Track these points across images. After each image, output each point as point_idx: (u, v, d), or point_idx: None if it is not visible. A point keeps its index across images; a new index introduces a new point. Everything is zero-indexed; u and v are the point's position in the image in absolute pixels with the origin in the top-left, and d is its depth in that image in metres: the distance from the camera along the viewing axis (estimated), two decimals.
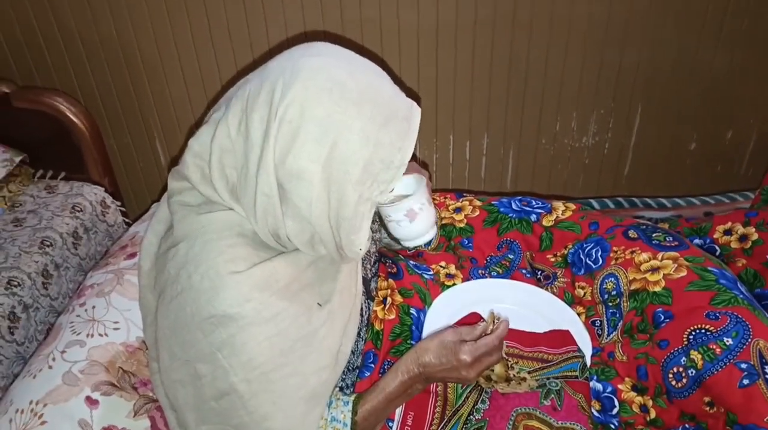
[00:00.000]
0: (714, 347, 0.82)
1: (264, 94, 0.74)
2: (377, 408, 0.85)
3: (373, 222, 1.08)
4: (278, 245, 0.80)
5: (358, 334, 0.94)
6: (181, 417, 0.84)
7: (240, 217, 0.79)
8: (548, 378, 0.92)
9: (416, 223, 0.97)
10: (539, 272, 1.13)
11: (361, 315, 0.95)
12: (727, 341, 0.82)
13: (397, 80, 1.64)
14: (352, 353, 0.92)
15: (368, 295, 0.99)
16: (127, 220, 1.65)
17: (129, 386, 0.93)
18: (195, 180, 0.80)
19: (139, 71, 1.64)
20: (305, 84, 0.72)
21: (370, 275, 1.01)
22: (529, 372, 0.93)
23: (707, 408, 0.83)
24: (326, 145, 0.72)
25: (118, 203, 1.63)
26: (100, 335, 0.96)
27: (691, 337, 0.85)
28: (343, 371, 0.92)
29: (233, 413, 0.78)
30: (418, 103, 0.79)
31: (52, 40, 1.62)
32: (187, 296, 0.76)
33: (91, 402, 0.88)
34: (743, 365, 0.80)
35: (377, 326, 0.95)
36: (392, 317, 0.97)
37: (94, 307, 1.00)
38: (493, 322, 0.88)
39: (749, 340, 0.81)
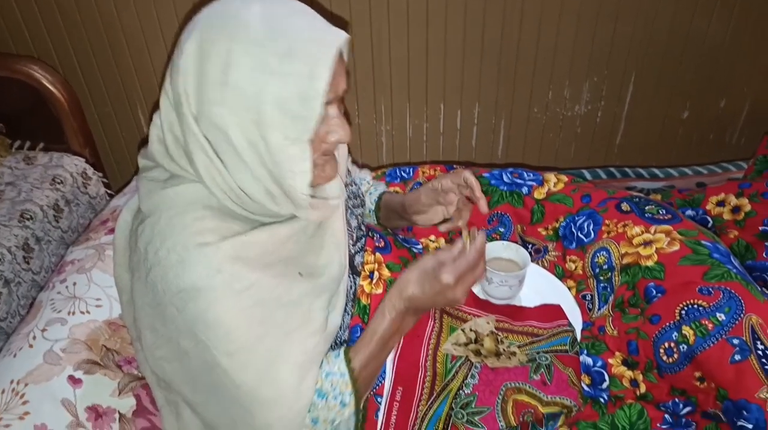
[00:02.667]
0: (706, 322, 0.82)
1: (176, 51, 0.72)
2: (373, 353, 0.84)
3: (354, 198, 1.06)
4: (247, 212, 0.77)
5: (344, 309, 0.93)
6: (175, 390, 0.82)
7: (206, 189, 0.76)
8: (538, 352, 0.91)
9: (515, 289, 0.98)
10: (530, 246, 1.11)
11: (346, 292, 0.93)
12: (720, 316, 0.81)
13: (387, 49, 1.60)
14: (339, 327, 0.91)
15: (353, 270, 0.97)
16: (110, 191, 1.61)
17: (113, 364, 0.91)
18: (158, 155, 0.78)
19: (119, 39, 1.58)
20: (200, 28, 0.69)
21: (354, 251, 0.99)
22: (519, 346, 0.93)
23: (698, 383, 0.83)
24: (228, 86, 0.68)
25: (100, 175, 1.58)
26: (82, 312, 0.94)
27: (684, 312, 0.84)
28: (331, 346, 0.90)
29: (222, 387, 0.77)
30: (346, 30, 0.73)
31: (28, 7, 1.54)
32: (157, 271, 0.73)
33: (74, 381, 0.86)
34: (735, 341, 0.79)
35: (364, 301, 0.93)
36: (380, 291, 0.95)
37: (75, 283, 0.97)
38: (470, 238, 0.86)
39: (742, 315, 0.80)
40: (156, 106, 0.78)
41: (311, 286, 0.83)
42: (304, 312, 0.81)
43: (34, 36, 1.59)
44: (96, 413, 0.86)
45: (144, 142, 0.83)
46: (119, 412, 0.88)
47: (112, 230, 1.08)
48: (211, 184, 0.74)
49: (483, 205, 0.92)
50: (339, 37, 0.72)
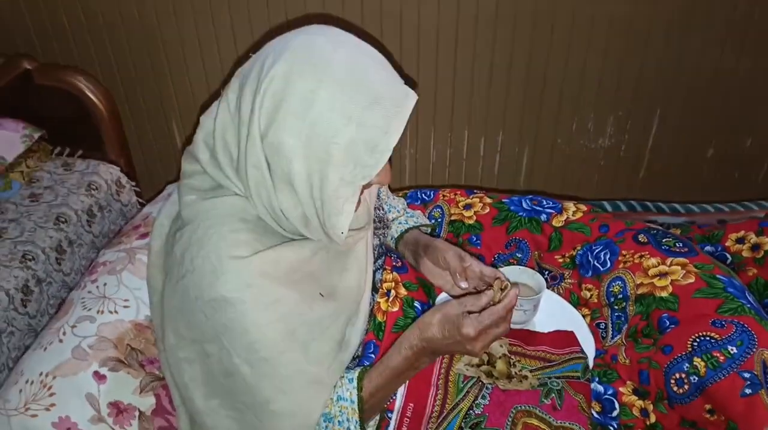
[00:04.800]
0: (718, 354, 0.82)
1: (255, 69, 0.75)
2: (383, 385, 0.85)
3: (379, 221, 1.09)
4: (280, 228, 0.81)
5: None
6: (186, 394, 0.85)
7: (244, 202, 0.80)
8: (550, 378, 0.92)
9: (529, 314, 0.99)
10: (547, 272, 1.13)
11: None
12: (732, 349, 0.81)
13: (402, 70, 1.64)
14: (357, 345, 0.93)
15: (372, 287, 0.99)
16: (141, 200, 1.67)
17: (136, 363, 0.95)
18: (204, 160, 0.82)
19: (159, 52, 1.66)
20: (291, 58, 0.72)
21: (374, 268, 1.02)
22: (531, 371, 0.94)
23: (708, 415, 0.83)
24: (307, 120, 0.71)
25: (133, 184, 1.65)
26: (110, 312, 0.98)
27: (696, 344, 0.85)
28: (350, 365, 0.92)
29: (240, 393, 0.80)
30: (415, 91, 0.77)
31: (75, 19, 1.64)
32: (191, 278, 0.77)
33: (99, 377, 0.90)
34: (746, 375, 0.79)
35: (380, 318, 0.96)
36: (396, 309, 0.98)
37: (105, 284, 1.02)
38: (500, 290, 0.85)
39: (754, 349, 0.81)
40: (188, 118, 0.83)
41: (331, 307, 0.86)
42: (324, 330, 0.84)
43: (80, 47, 1.68)
44: (117, 409, 0.89)
45: (182, 149, 0.87)
46: (139, 410, 0.91)
47: (143, 235, 1.13)
48: (255, 197, 0.78)
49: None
50: (412, 98, 0.76)
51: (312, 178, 0.74)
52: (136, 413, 0.90)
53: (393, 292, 1.01)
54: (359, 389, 0.84)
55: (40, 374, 0.89)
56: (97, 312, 0.97)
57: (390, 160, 0.78)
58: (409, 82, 0.78)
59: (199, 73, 1.68)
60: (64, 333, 0.94)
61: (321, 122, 0.71)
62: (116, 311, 0.98)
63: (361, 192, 0.80)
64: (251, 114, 0.73)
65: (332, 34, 0.77)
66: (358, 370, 0.87)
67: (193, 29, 1.61)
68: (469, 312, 0.82)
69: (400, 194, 1.35)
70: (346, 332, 0.90)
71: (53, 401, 0.86)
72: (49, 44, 1.69)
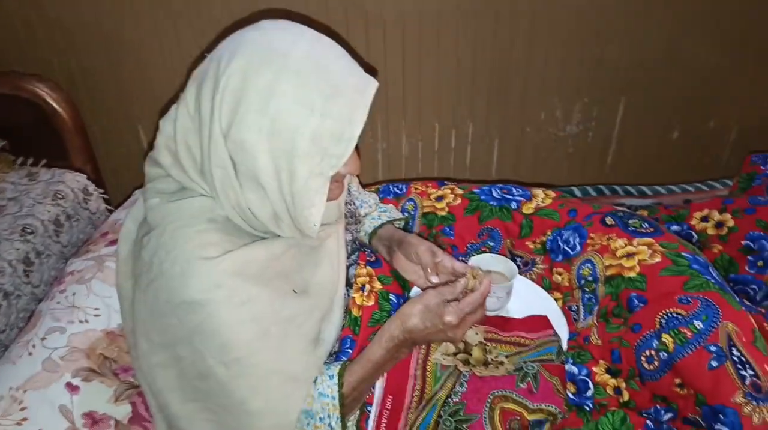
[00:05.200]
0: (685, 330, 0.84)
1: (212, 68, 0.74)
2: (364, 378, 0.86)
3: (351, 216, 1.09)
4: (249, 228, 0.81)
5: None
6: (162, 400, 0.84)
7: (211, 203, 0.80)
8: (525, 362, 0.93)
9: (503, 301, 1.01)
10: (519, 259, 1.14)
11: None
12: (698, 324, 0.84)
13: (362, 59, 1.65)
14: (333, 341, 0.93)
15: (347, 282, 0.99)
16: (110, 207, 1.64)
17: (110, 372, 0.93)
18: (167, 164, 0.81)
19: (120, 55, 1.63)
20: (248, 54, 0.72)
21: (348, 263, 1.02)
22: (506, 356, 0.95)
23: (678, 390, 0.85)
24: (268, 115, 0.71)
25: (101, 191, 1.62)
26: (81, 321, 0.96)
27: (663, 321, 0.87)
28: (329, 360, 0.92)
29: (215, 395, 0.79)
30: (375, 78, 0.77)
31: (31, 24, 1.60)
32: (160, 282, 0.76)
33: (72, 388, 0.88)
34: (712, 348, 0.81)
35: (355, 313, 0.96)
36: (371, 303, 0.98)
37: (74, 294, 1.00)
38: (474, 278, 0.89)
39: (719, 323, 0.83)
40: (155, 121, 0.82)
41: (305, 303, 0.86)
42: (298, 328, 0.84)
43: (38, 54, 1.64)
44: (92, 419, 0.88)
45: (146, 154, 0.86)
46: (115, 419, 0.90)
47: (112, 242, 1.11)
48: (222, 197, 0.77)
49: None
50: (374, 85, 0.77)
51: (280, 173, 0.73)
52: (112, 423, 0.89)
53: (368, 286, 1.01)
54: (340, 385, 0.84)
55: (10, 388, 0.87)
56: (68, 322, 0.96)
57: (357, 149, 0.78)
58: (370, 70, 0.78)
59: (162, 74, 1.65)
60: (33, 346, 0.93)
61: (283, 115, 0.71)
62: (87, 321, 0.97)
63: (334, 180, 0.80)
64: (212, 114, 0.73)
65: (288, 27, 0.77)
66: (338, 365, 0.87)
67: (153, 30, 1.58)
68: (447, 301, 0.85)
69: (372, 189, 1.35)
70: (321, 328, 0.90)
71: (25, 415, 0.84)
72: (6, 52, 1.65)
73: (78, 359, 0.91)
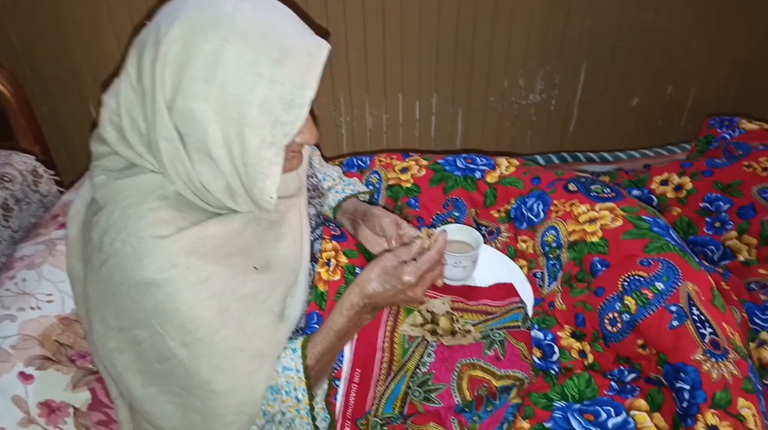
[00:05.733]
0: (646, 292, 0.85)
1: (152, 36, 0.70)
2: (328, 348, 0.85)
3: (314, 190, 1.06)
4: (204, 203, 0.77)
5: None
6: (122, 384, 0.82)
7: (162, 179, 0.76)
8: (492, 329, 0.93)
9: (469, 270, 1.00)
10: (484, 228, 1.14)
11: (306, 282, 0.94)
12: (659, 285, 0.85)
13: (344, 40, 1.61)
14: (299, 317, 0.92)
15: (312, 257, 0.97)
16: (62, 189, 1.57)
17: (66, 359, 0.90)
18: (113, 140, 0.77)
19: (69, 32, 1.54)
20: (189, 18, 0.68)
21: (312, 238, 0.99)
22: (473, 325, 0.95)
23: (640, 350, 0.87)
24: (215, 82, 0.67)
25: (51, 173, 1.54)
26: (33, 308, 0.92)
27: (626, 283, 0.88)
28: (292, 335, 0.91)
29: (178, 376, 0.77)
30: (328, 40, 0.74)
31: None
32: (112, 263, 0.73)
33: (25, 377, 0.84)
34: (673, 308, 0.83)
35: (321, 288, 0.94)
36: (337, 277, 0.96)
37: (24, 280, 0.95)
38: (428, 237, 0.89)
39: (679, 284, 0.84)
40: (105, 89, 0.77)
41: (267, 279, 0.83)
42: (260, 304, 0.82)
43: None
44: (49, 408, 0.85)
45: (94, 126, 0.81)
46: (74, 406, 0.87)
47: (62, 225, 1.06)
48: (172, 173, 0.74)
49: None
50: (325, 48, 0.73)
51: (230, 143, 0.70)
52: (71, 410, 0.86)
53: (333, 261, 1.00)
54: (304, 357, 0.83)
55: None
56: (18, 310, 0.91)
57: (314, 118, 0.75)
58: (322, 33, 0.75)
59: (114, 49, 1.58)
60: None
61: (231, 82, 0.67)
62: (39, 307, 0.92)
63: (290, 150, 0.77)
64: (153, 84, 0.69)
65: None
66: (301, 339, 0.85)
67: (104, 6, 1.50)
68: (404, 262, 0.85)
69: (336, 162, 1.33)
70: (285, 304, 0.88)
71: None
72: None
73: (31, 347, 0.87)
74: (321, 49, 0.73)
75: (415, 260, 0.88)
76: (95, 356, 0.86)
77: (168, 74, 0.68)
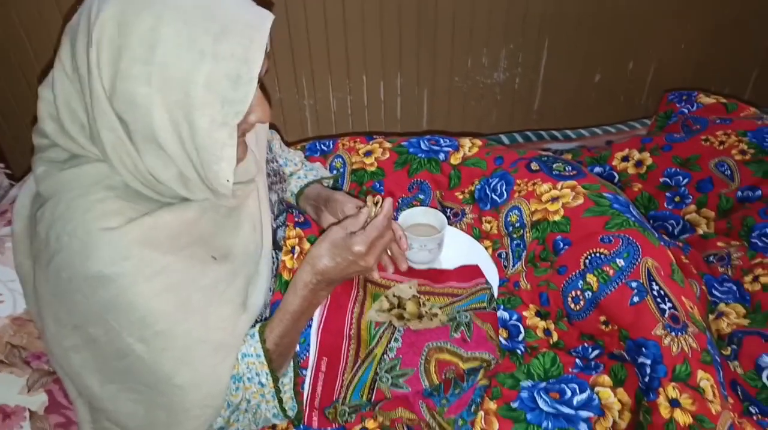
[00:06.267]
0: (607, 269, 0.86)
1: (83, 20, 0.66)
2: (287, 330, 0.84)
3: (274, 175, 1.04)
4: (153, 193, 0.74)
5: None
6: (80, 383, 0.79)
7: (108, 168, 0.73)
8: (458, 311, 0.93)
9: (434, 253, 1.00)
10: (449, 210, 1.14)
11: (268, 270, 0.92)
12: (620, 262, 0.86)
13: (304, 21, 1.57)
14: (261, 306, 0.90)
15: (275, 245, 0.96)
16: (14, 182, 1.51)
17: (20, 361, 0.86)
18: (52, 134, 0.73)
19: (9, 11, 1.46)
20: None
21: (275, 225, 0.97)
22: (440, 308, 0.95)
23: (603, 327, 0.88)
24: (155, 63, 0.64)
25: (2, 165, 1.48)
26: None
27: (588, 261, 0.88)
28: (254, 324, 0.89)
29: (138, 373, 0.75)
30: (271, 11, 0.71)
31: None
32: (60, 258, 0.70)
33: None
34: (633, 284, 0.84)
35: (286, 276, 0.93)
36: None
37: None
38: (375, 205, 0.88)
39: (639, 260, 0.85)
40: (41, 80, 0.73)
41: (226, 269, 0.81)
42: (221, 294, 0.80)
43: None
44: (3, 413, 0.81)
45: (36, 119, 0.77)
46: (29, 410, 0.83)
47: (11, 222, 1.01)
48: (118, 164, 0.70)
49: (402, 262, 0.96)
50: (268, 18, 0.70)
51: (179, 127, 0.67)
52: (26, 414, 0.83)
53: (297, 248, 0.98)
54: (263, 341, 0.82)
55: None
56: None
57: (267, 94, 0.72)
58: (265, 4, 0.71)
59: (59, 26, 1.50)
60: None
61: (171, 62, 0.64)
62: None
63: (242, 133, 0.74)
64: (90, 72, 0.65)
65: None
66: (258, 325, 0.84)
67: None
68: (352, 233, 0.84)
69: (299, 147, 1.30)
70: (248, 293, 0.86)
71: None
72: None
73: None
74: (263, 19, 0.69)
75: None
76: (50, 356, 0.83)
77: (104, 59, 0.64)
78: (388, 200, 0.86)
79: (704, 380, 0.77)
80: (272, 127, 1.23)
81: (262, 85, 0.73)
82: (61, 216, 0.70)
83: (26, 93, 1.60)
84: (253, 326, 0.86)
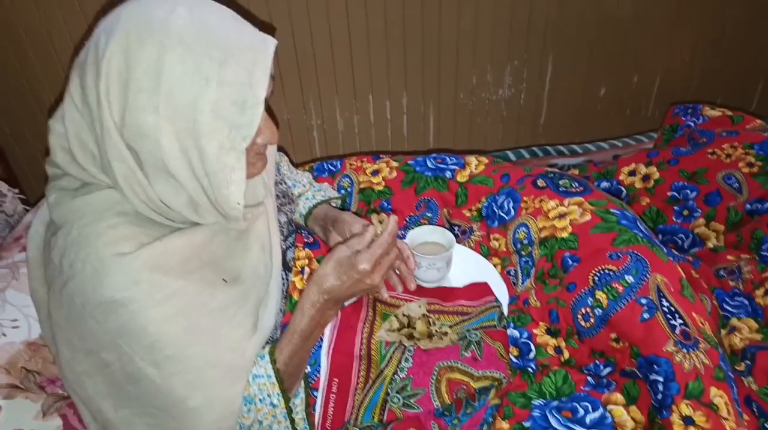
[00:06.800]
0: (617, 285, 0.86)
1: (91, 54, 0.68)
2: (296, 349, 0.85)
3: (283, 196, 1.05)
4: (165, 219, 0.76)
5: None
6: (94, 408, 0.80)
7: (119, 195, 0.74)
8: (468, 330, 0.93)
9: (443, 271, 1.00)
10: (457, 228, 1.14)
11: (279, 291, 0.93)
12: (629, 278, 0.86)
13: (309, 43, 1.59)
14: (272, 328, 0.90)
15: (285, 266, 0.96)
16: (28, 208, 1.53)
17: (35, 386, 0.87)
18: (63, 164, 0.75)
19: (22, 41, 1.50)
20: (125, 31, 0.66)
21: (285, 247, 0.98)
22: (450, 326, 0.95)
23: (614, 344, 0.87)
24: (161, 93, 0.66)
25: (16, 191, 1.50)
26: None
27: (596, 278, 0.88)
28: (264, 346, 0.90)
29: (151, 397, 0.75)
30: (273, 35, 0.73)
31: None
32: (73, 285, 0.71)
33: None
34: (643, 300, 0.84)
35: (296, 297, 0.93)
36: None
37: None
38: (380, 222, 0.90)
39: (648, 276, 0.85)
40: (51, 113, 0.75)
41: (237, 291, 0.82)
42: (232, 317, 0.80)
43: None
44: None
45: (48, 150, 0.79)
46: None
47: (25, 248, 1.03)
48: (129, 193, 0.72)
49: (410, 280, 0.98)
50: (271, 42, 0.71)
51: (188, 154, 0.69)
52: None
53: (307, 269, 0.98)
54: (273, 361, 0.82)
55: None
56: None
57: (274, 117, 0.74)
58: (266, 28, 0.73)
59: (72, 60, 1.54)
60: None
61: (177, 90, 0.66)
62: (4, 334, 0.90)
63: (254, 153, 0.76)
64: (99, 103, 0.67)
65: None
66: (267, 346, 0.85)
67: (61, 17, 1.46)
68: (357, 251, 0.85)
69: (306, 167, 1.31)
70: (258, 315, 0.87)
71: None
72: None
73: None
74: (265, 44, 0.71)
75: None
76: (64, 380, 0.84)
77: (113, 91, 0.66)
78: (393, 218, 0.87)
79: (718, 397, 0.76)
80: (280, 148, 1.25)
81: (268, 107, 0.74)
82: (73, 243, 0.72)
83: (39, 120, 1.64)
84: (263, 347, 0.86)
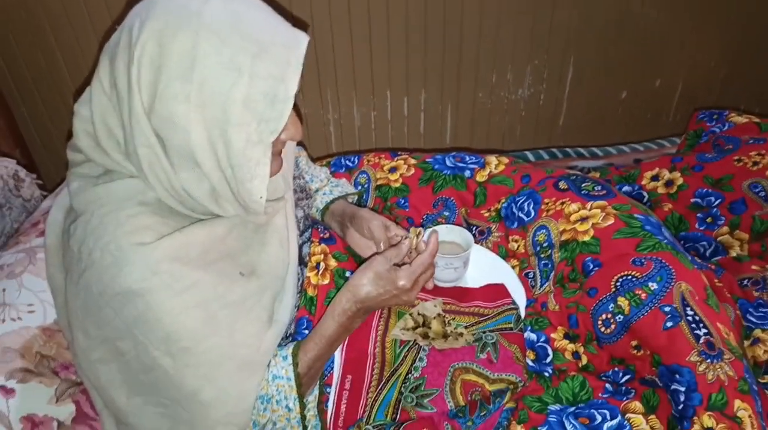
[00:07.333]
0: (640, 292, 0.84)
1: (124, 39, 0.68)
2: (321, 353, 0.84)
3: (301, 191, 1.04)
4: (186, 209, 0.75)
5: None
6: (106, 396, 0.80)
7: (141, 184, 0.74)
8: (484, 332, 0.92)
9: (460, 271, 0.99)
10: (474, 228, 1.13)
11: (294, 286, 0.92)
12: (652, 285, 0.84)
13: (330, 37, 1.58)
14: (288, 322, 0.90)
15: (300, 261, 0.96)
16: (45, 193, 1.54)
17: (49, 371, 0.87)
18: (87, 149, 0.74)
19: (44, 27, 1.50)
20: (160, 18, 0.66)
21: (301, 242, 0.98)
22: (465, 327, 0.94)
23: (635, 351, 0.86)
24: (194, 81, 0.65)
25: (34, 176, 1.51)
26: (13, 319, 0.89)
27: (619, 283, 0.87)
28: (280, 342, 0.89)
29: (163, 387, 0.75)
30: (306, 32, 0.72)
31: None
32: (91, 273, 0.71)
33: (6, 391, 0.82)
34: (667, 309, 0.82)
35: (310, 292, 0.92)
36: (326, 281, 0.95)
37: (4, 290, 0.93)
38: (417, 236, 0.90)
39: (672, 284, 0.83)
40: (77, 97, 0.75)
41: (254, 285, 0.81)
42: (248, 311, 0.80)
43: None
44: (32, 423, 0.82)
45: (71, 134, 0.79)
46: (57, 420, 0.84)
47: (43, 233, 1.03)
48: (153, 180, 0.72)
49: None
50: (304, 38, 0.71)
51: (215, 145, 0.68)
52: (55, 424, 0.83)
53: (322, 264, 0.98)
54: (295, 365, 0.81)
55: None
56: None
57: (299, 113, 0.73)
58: (300, 24, 0.72)
59: (92, 49, 1.54)
60: None
61: (210, 80, 0.65)
62: (20, 318, 0.89)
63: (275, 151, 0.75)
64: (129, 89, 0.66)
65: None
66: (291, 346, 0.84)
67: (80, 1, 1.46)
68: (395, 264, 0.86)
69: (324, 163, 1.31)
70: (274, 310, 0.86)
71: None
72: None
73: (12, 360, 0.85)
74: (299, 41, 0.71)
75: (404, 260, 0.88)
76: (78, 367, 0.84)
77: (144, 77, 0.66)
78: (434, 236, 0.87)
79: (742, 409, 0.74)
80: (299, 143, 1.24)
81: (294, 104, 0.73)
82: (93, 231, 0.71)
83: (58, 105, 1.64)
84: (284, 345, 0.86)
